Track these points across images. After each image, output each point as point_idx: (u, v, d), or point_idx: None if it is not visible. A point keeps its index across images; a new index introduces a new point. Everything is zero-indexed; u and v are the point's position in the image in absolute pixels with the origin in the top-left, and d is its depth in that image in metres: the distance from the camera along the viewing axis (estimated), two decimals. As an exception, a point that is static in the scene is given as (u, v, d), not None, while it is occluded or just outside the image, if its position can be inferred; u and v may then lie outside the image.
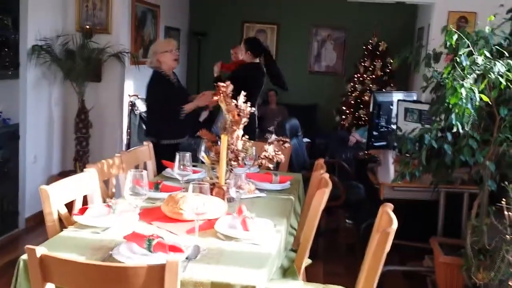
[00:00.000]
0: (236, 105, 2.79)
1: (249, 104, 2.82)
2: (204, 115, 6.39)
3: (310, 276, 3.07)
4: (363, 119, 7.22)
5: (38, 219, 4.45)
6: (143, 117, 6.17)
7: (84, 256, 1.90)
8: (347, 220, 5.11)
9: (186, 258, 1.90)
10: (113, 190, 2.98)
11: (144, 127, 6.27)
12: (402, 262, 3.94)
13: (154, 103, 4.06)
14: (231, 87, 2.77)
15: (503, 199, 2.86)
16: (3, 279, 3.46)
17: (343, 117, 7.48)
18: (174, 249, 1.91)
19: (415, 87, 6.51)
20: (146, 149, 3.45)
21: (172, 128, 4.07)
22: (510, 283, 2.78)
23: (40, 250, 1.59)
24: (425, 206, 3.84)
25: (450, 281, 3.26)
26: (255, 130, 4.89)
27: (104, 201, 2.65)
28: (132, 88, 6.31)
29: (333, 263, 4.01)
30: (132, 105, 6.28)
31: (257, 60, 5.00)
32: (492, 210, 2.89)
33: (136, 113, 6.33)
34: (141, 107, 6.31)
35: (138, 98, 6.34)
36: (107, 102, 5.05)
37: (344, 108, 7.48)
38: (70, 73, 4.72)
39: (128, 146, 6.18)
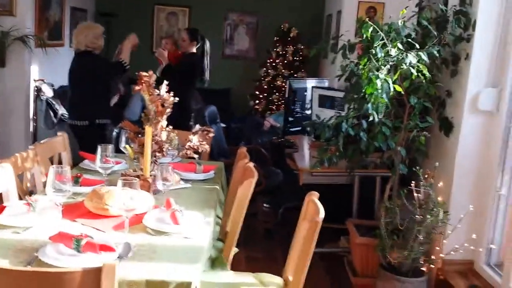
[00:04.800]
0: (159, 95, 2.74)
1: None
2: (114, 99, 6.18)
3: (232, 263, 3.10)
4: (276, 104, 7.36)
5: None
6: (50, 103, 5.86)
7: (7, 259, 1.78)
8: (264, 205, 5.20)
9: (118, 257, 1.85)
10: (28, 184, 2.83)
11: (52, 113, 6.00)
12: (319, 244, 4.07)
13: (96, 82, 4.24)
14: (154, 76, 2.71)
15: (413, 182, 3.07)
16: None
17: (257, 102, 7.57)
18: (105, 248, 1.85)
19: (325, 74, 6.71)
20: (61, 140, 3.29)
21: (107, 107, 4.45)
22: (421, 261, 3.01)
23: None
24: (342, 189, 4.01)
25: (366, 260, 3.45)
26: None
27: (20, 198, 2.52)
28: (38, 73, 5.97)
29: (253, 249, 4.08)
30: (38, 90, 5.95)
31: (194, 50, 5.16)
32: (403, 192, 3.09)
33: (42, 98, 6.01)
34: (48, 92, 5.99)
35: (45, 82, 6.01)
36: (12, 88, 4.73)
37: (257, 93, 7.58)
38: (-31, 58, 4.39)
39: (35, 133, 5.85)
